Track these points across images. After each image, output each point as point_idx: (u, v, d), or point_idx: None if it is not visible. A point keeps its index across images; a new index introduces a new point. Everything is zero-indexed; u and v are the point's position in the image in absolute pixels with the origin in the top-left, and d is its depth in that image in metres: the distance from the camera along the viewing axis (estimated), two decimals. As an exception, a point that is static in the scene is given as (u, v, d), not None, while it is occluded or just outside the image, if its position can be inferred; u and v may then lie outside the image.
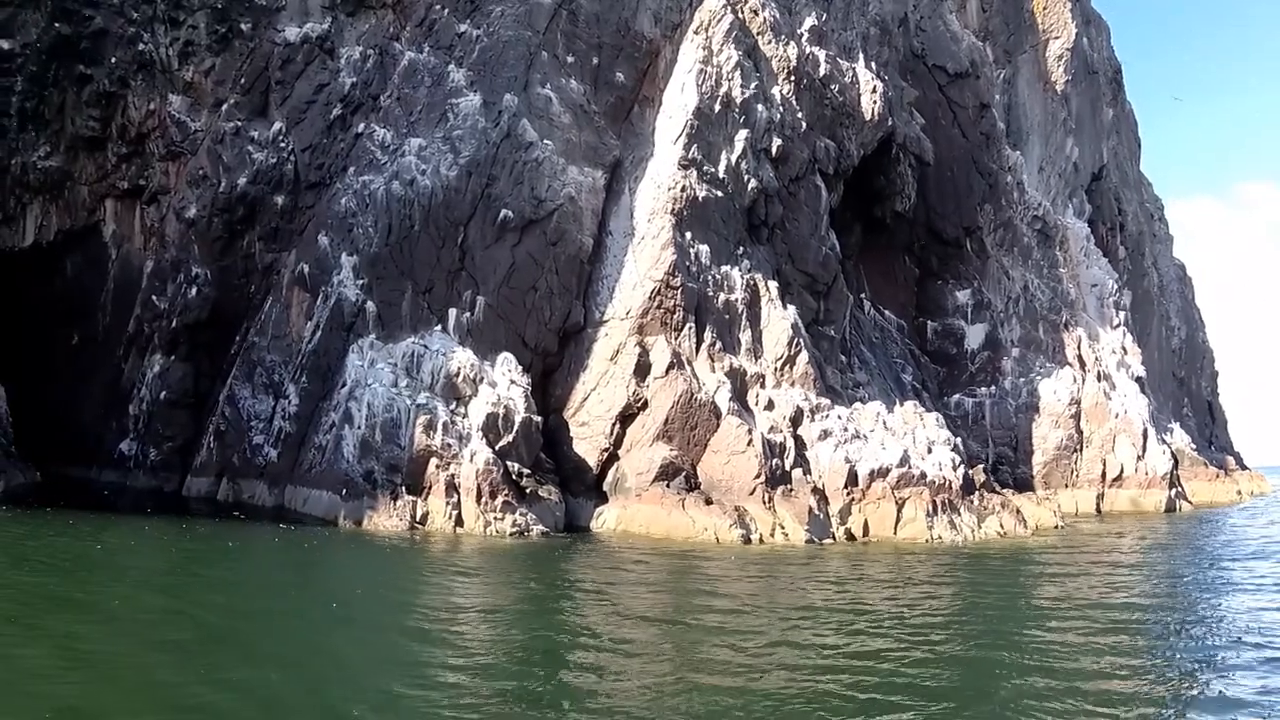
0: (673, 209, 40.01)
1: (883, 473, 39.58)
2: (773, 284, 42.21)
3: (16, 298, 44.00)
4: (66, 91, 43.03)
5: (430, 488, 34.23)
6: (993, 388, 56.76)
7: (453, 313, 37.64)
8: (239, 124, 41.43)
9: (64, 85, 42.93)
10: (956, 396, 55.48)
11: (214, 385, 40.74)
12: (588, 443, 37.57)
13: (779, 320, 41.25)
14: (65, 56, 42.49)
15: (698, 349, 39.00)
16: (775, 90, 46.33)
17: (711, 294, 40.01)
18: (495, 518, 33.50)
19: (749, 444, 37.34)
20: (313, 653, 16.21)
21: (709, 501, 36.36)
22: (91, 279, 44.15)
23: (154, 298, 41.28)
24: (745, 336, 40.60)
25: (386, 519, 33.17)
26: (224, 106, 41.92)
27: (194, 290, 40.31)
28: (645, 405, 37.47)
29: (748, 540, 34.64)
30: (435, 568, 27.09)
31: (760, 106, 45.02)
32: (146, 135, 42.96)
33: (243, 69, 42.35)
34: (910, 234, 56.54)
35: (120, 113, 43.05)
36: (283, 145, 41.08)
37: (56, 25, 42.03)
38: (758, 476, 37.03)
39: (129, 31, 42.53)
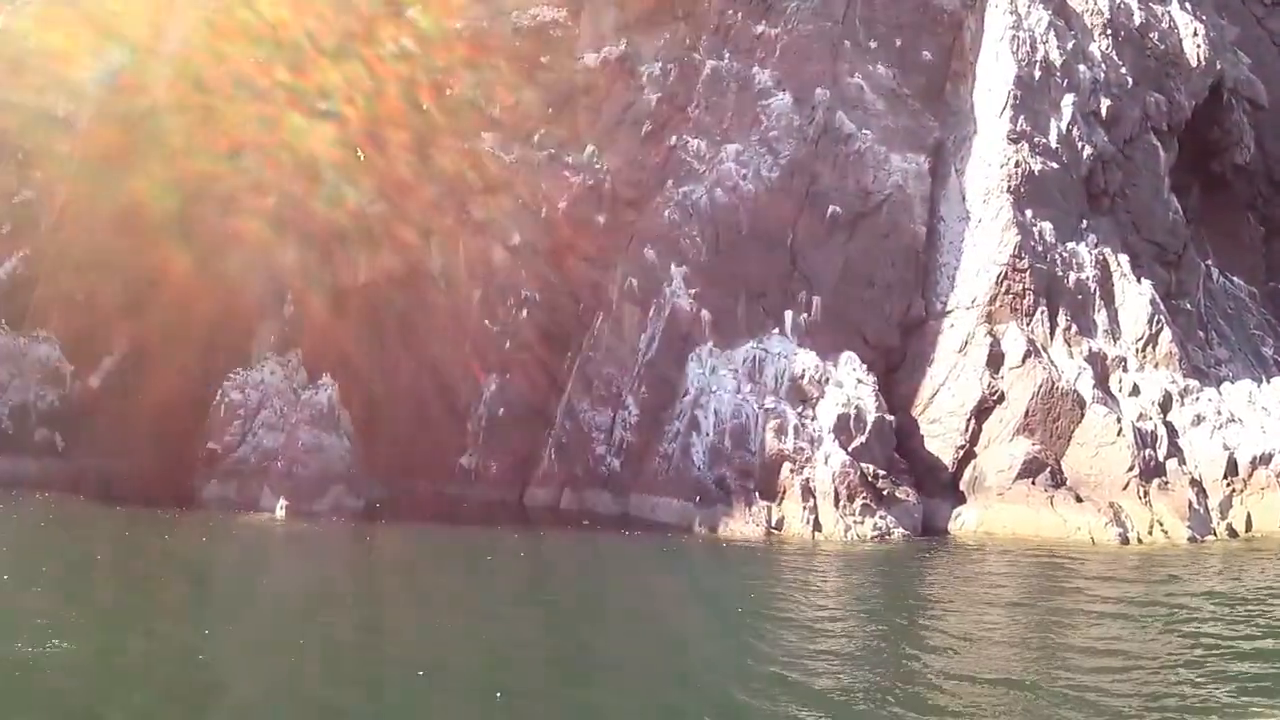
0: (1008, 187, 38.67)
1: (1265, 459, 36.75)
2: (1123, 257, 39.97)
3: (355, 331, 47.58)
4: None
5: (784, 492, 34.34)
6: (1361, 358, 51.38)
7: (789, 315, 37.76)
8: (552, 151, 43.25)
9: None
10: (1321, 369, 50.54)
11: (549, 400, 42.57)
12: (940, 440, 36.61)
13: (1135, 296, 38.95)
14: (379, 107, 45.78)
15: (1052, 334, 37.38)
16: (1093, 47, 44.10)
17: (1060, 274, 38.27)
18: (855, 521, 33.20)
19: (1119, 434, 35.40)
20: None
21: (1079, 499, 34.67)
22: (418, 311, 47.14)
23: (486, 322, 43.66)
24: (1101, 317, 38.56)
25: (742, 524, 33.47)
26: (535, 137, 43.84)
27: (524, 313, 42.36)
28: (1001, 398, 36.15)
29: (1125, 540, 32.81)
30: (815, 573, 27.15)
31: (1081, 67, 42.95)
32: (462, 173, 45.56)
33: (548, 99, 44.15)
34: (1251, 188, 52.18)
35: (436, 154, 45.89)
36: (597, 166, 42.55)
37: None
38: (1130, 469, 35.03)
39: (434, 79, 45.20)
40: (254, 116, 46.01)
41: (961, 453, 36.31)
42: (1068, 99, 41.80)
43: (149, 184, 47.54)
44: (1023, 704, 14.29)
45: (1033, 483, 35.12)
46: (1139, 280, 39.52)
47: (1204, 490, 35.72)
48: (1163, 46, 46.44)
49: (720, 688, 14.63)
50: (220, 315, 48.13)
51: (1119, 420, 35.69)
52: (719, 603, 22.25)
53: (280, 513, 36.28)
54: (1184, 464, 36.28)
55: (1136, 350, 38.46)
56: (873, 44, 42.81)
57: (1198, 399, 38.22)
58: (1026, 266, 37.17)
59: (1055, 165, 40.12)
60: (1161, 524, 34.21)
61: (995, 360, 36.52)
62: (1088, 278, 38.73)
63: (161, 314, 49.13)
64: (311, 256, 46.84)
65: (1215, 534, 34.63)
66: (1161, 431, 36.56)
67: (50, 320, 47.23)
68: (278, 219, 46.67)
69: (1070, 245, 39.15)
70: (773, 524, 33.61)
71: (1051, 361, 36.56)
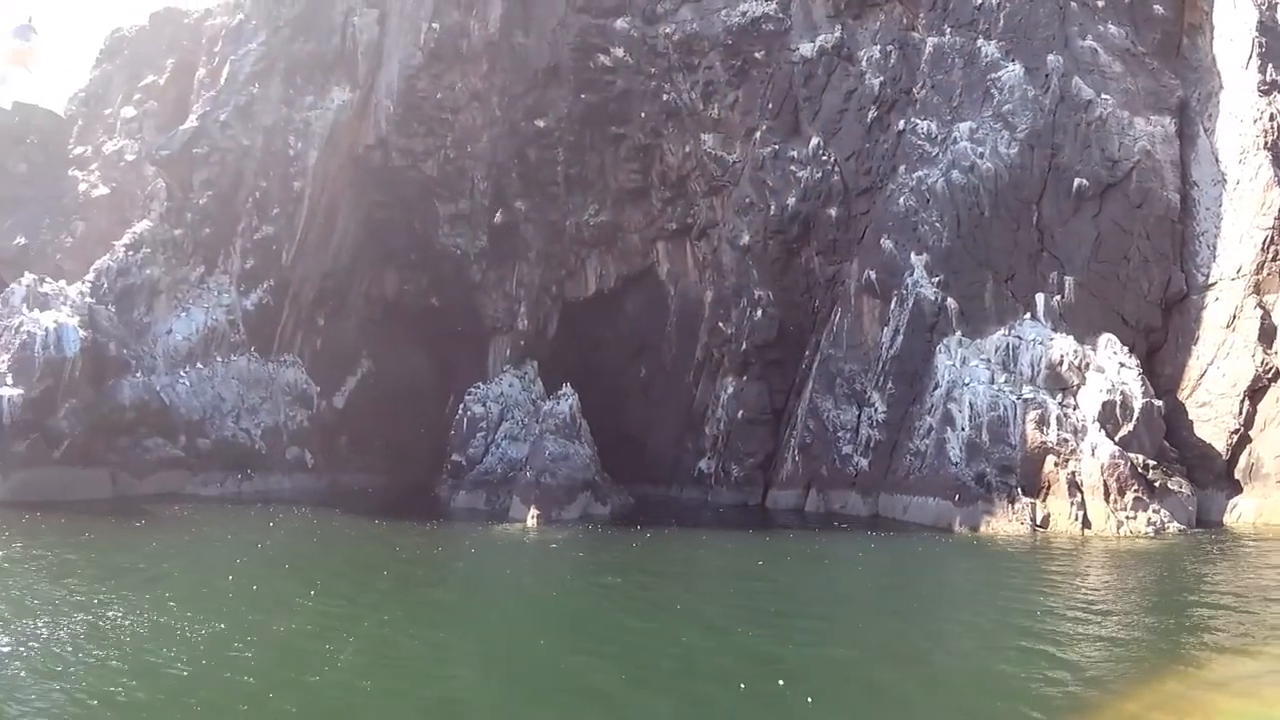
0: (1265, 142, 36.98)
1: None
2: (1402, 210, 37.73)
3: (586, 342, 49.90)
4: (603, 152, 48.42)
5: (1049, 487, 33.90)
6: None
7: (1040, 298, 37.29)
8: (775, 147, 44.07)
9: (600, 147, 48.39)
10: None
11: (788, 400, 43.41)
12: (1211, 425, 35.43)
13: None
14: (596, 121, 47.95)
15: (1329, 301, 35.68)
16: (1341, -18, 41.58)
17: (1333, 234, 36.47)
18: (1127, 516, 32.31)
19: None
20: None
21: (1373, 483, 33.01)
22: (652, 315, 49.05)
23: (719, 324, 44.93)
24: (1384, 277, 36.57)
25: (1005, 523, 33.13)
26: (756, 134, 44.78)
27: (759, 312, 43.36)
28: (1276, 375, 34.64)
29: None
30: (1111, 571, 26.58)
31: (1331, 4, 40.60)
32: (686, 176, 47.13)
33: (766, 94, 44.99)
34: None
35: (658, 160, 47.65)
36: (824, 158, 43.06)
37: (583, 96, 47.67)
38: None
39: (650, 86, 46.97)
40: (476, 137, 48.57)
41: (1235, 437, 34.97)
42: (1318, 41, 39.66)
43: (380, 211, 50.95)
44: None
45: (1317, 466, 33.67)
46: None
47: None
48: None
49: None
50: (455, 332, 51.23)
51: None
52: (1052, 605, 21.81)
53: (531, 522, 37.14)
54: None
55: None
56: (1100, 2, 41.58)
57: None
58: (1296, 229, 35.58)
59: (1316, 115, 38.16)
60: None
61: (1267, 334, 35.03)
62: (1365, 237, 36.76)
63: (398, 334, 52.80)
64: (540, 270, 49.21)
65: None
66: None
67: (296, 345, 51.33)
68: (506, 235, 49.27)
69: (1341, 202, 37.21)
70: (1038, 521, 33.16)
71: (1332, 331, 34.94)
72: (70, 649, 15.59)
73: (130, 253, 48.44)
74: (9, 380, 38.17)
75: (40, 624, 17.08)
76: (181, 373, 46.86)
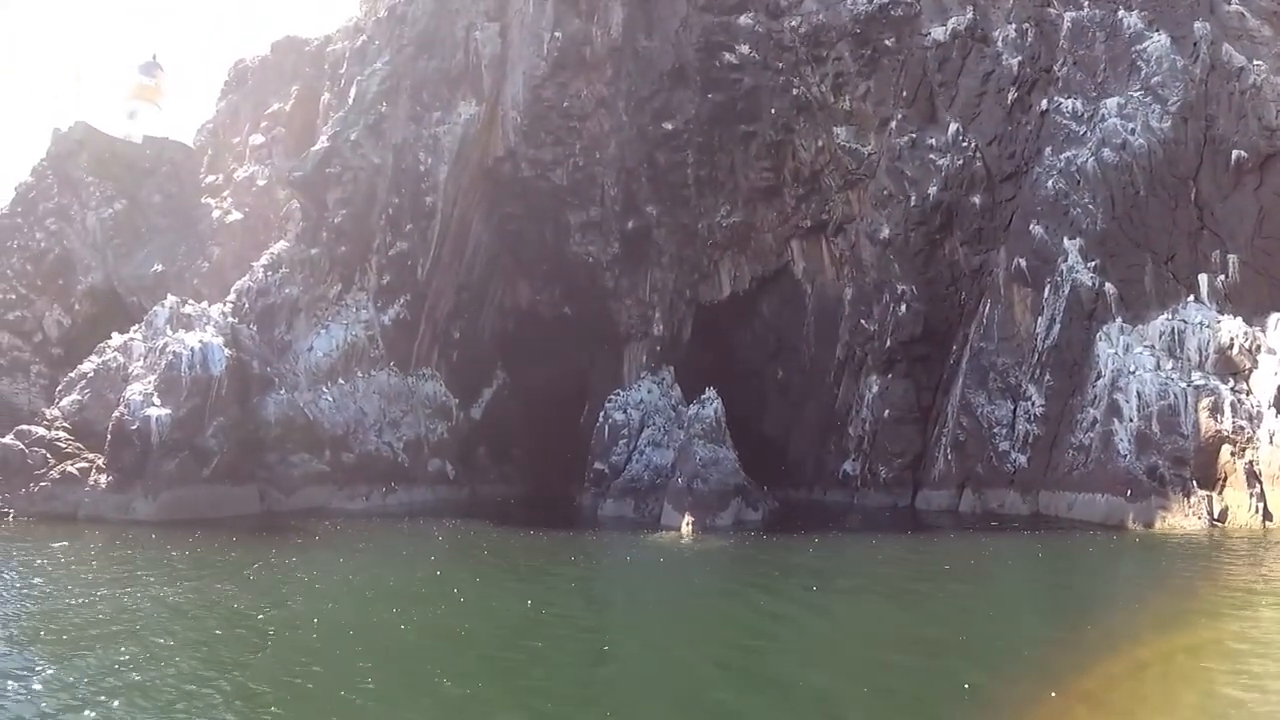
0: None
1: None
2: None
3: (722, 345, 50.49)
4: (733, 152, 48.91)
5: (1225, 479, 33.27)
6: None
7: (1203, 279, 36.59)
8: (912, 136, 44.01)
9: (729, 147, 48.87)
10: None
11: (935, 397, 43.33)
12: (1396, 404, 34.33)
13: None
14: (725, 121, 48.42)
15: None
16: None
17: None
18: (1310, 508, 31.74)
19: None
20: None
21: None
22: (788, 315, 49.43)
23: (861, 322, 45.09)
24: None
25: (1181, 518, 32.50)
26: (891, 123, 44.76)
27: (903, 307, 43.39)
28: None
29: None
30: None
31: None
32: (820, 171, 47.40)
33: (900, 82, 44.90)
34: None
35: (790, 157, 47.99)
36: (964, 144, 42.86)
37: (709, 96, 48.14)
38: None
39: (778, 81, 47.21)
40: (604, 143, 49.52)
41: None
42: None
43: (511, 223, 52.37)
44: None
45: None
46: None
47: None
48: None
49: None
50: (590, 340, 52.35)
51: None
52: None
53: (686, 529, 36.77)
54: None
55: None
56: (1245, -37, 40.48)
57: None
58: None
59: None
60: None
61: None
62: None
63: (533, 344, 54.20)
64: (674, 274, 49.95)
65: None
66: None
67: (433, 359, 53.00)
68: (638, 240, 50.15)
69: None
70: (1215, 515, 32.49)
71: None
72: (309, 669, 15.45)
73: (269, 273, 49.82)
74: (156, 400, 38.45)
75: (268, 641, 17.46)
76: (324, 388, 47.67)
